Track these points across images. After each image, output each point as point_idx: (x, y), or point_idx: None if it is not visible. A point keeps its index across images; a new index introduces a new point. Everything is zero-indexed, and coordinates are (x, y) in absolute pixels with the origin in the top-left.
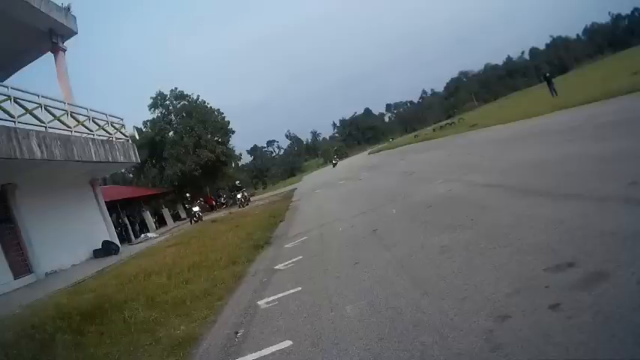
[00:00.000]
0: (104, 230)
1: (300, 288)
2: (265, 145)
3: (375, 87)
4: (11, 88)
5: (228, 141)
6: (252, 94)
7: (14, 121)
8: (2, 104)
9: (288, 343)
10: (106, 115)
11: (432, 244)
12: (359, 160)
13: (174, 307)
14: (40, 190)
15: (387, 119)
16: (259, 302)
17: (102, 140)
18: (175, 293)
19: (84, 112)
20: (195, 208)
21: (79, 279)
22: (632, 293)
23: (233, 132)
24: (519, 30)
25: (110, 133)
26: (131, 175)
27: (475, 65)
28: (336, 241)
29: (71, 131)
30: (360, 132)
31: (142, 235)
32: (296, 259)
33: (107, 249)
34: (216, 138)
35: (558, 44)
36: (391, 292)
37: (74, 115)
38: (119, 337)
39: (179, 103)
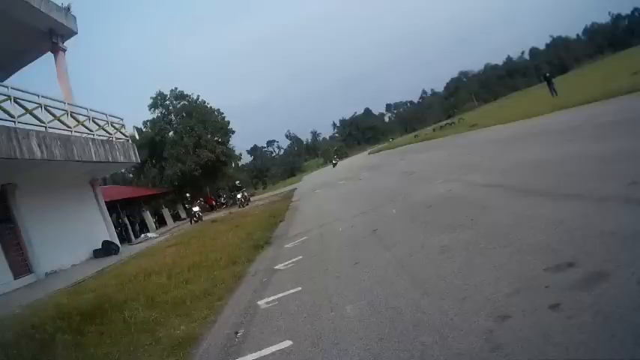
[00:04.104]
0: (104, 230)
1: (300, 288)
2: (265, 145)
3: (375, 87)
4: (11, 88)
5: (228, 141)
6: (252, 94)
7: (14, 121)
8: (2, 104)
9: (288, 343)
10: (106, 115)
11: (432, 244)
12: (359, 160)
13: (174, 307)
14: (40, 190)
15: (387, 119)
16: (259, 302)
17: (102, 140)
18: (175, 293)
19: (84, 112)
20: (195, 208)
21: (79, 279)
22: (632, 293)
23: (233, 132)
24: (519, 30)
25: (110, 133)
26: (131, 175)
27: (475, 65)
28: (336, 241)
29: (71, 131)
30: (360, 132)
31: (142, 235)
32: (296, 259)
33: (107, 249)
34: (216, 138)
35: (558, 44)
36: (391, 292)
37: (74, 115)
38: (119, 337)
39: (179, 103)
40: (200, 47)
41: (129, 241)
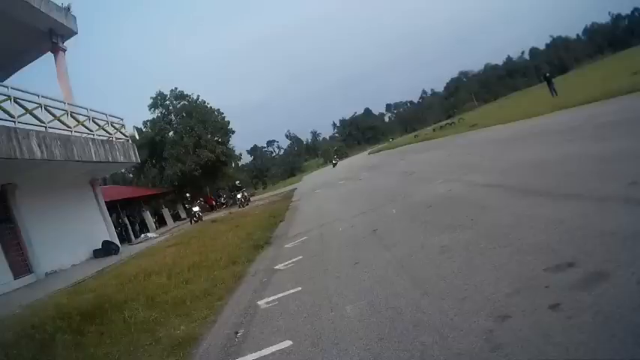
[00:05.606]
0: (104, 230)
1: (300, 288)
2: (265, 145)
3: (375, 87)
4: (11, 88)
5: (228, 141)
6: (252, 94)
7: (14, 121)
8: (2, 104)
9: (288, 343)
10: (106, 115)
11: (432, 244)
12: (359, 160)
13: (174, 307)
14: (40, 190)
15: (387, 119)
16: (259, 302)
17: (102, 140)
18: (175, 293)
19: (84, 112)
20: (195, 208)
21: (79, 279)
22: (632, 293)
23: (233, 132)
24: (519, 30)
25: (110, 133)
26: (131, 175)
27: (475, 65)
28: (336, 241)
29: (71, 131)
30: (360, 132)
31: (142, 235)
32: (296, 259)
33: (107, 249)
34: (216, 138)
35: (558, 44)
36: (391, 292)
37: (74, 115)
38: (119, 337)
39: (179, 103)
40: (200, 47)
41: (129, 241)
